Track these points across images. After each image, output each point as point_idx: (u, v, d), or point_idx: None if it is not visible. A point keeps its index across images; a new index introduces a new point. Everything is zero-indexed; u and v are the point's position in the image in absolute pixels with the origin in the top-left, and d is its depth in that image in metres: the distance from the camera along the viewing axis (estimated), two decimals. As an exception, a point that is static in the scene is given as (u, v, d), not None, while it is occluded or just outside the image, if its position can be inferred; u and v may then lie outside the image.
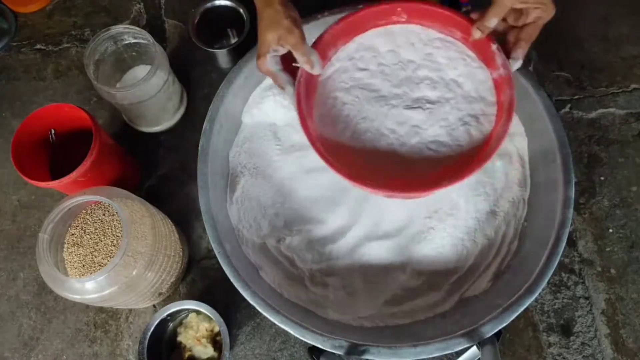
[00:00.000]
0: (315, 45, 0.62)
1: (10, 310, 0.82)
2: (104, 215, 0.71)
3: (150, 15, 1.00)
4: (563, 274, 0.81)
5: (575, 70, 0.93)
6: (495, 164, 0.73)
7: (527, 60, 0.58)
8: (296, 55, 0.59)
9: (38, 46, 0.99)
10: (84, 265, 0.68)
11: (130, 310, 0.81)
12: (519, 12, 0.57)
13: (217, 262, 0.67)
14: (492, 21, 0.56)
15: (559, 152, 0.69)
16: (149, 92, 0.78)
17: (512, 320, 0.62)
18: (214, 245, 0.67)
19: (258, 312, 0.64)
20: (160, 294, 0.75)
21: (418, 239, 0.70)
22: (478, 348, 0.62)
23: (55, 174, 0.78)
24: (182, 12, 0.99)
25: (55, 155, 0.80)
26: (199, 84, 0.94)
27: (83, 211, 0.71)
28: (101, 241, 0.69)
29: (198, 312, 0.75)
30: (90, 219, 0.71)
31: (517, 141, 0.75)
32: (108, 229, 0.69)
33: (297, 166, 0.74)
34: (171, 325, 0.76)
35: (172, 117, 0.89)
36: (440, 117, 0.61)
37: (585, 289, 0.81)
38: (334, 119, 0.63)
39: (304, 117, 0.60)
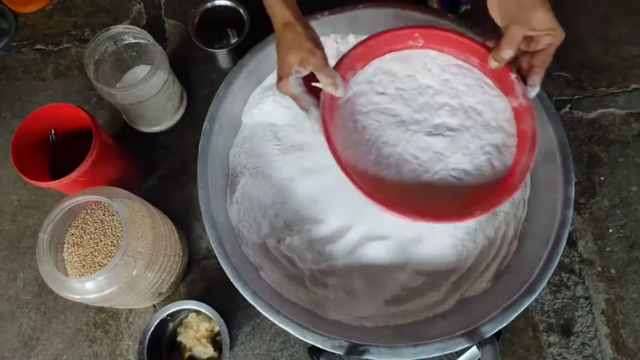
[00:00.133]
0: (335, 68, 0.61)
1: (10, 310, 0.82)
2: (104, 215, 0.71)
3: (150, 15, 1.00)
4: (563, 274, 0.81)
5: (575, 70, 0.93)
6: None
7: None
8: (319, 77, 0.59)
9: (38, 46, 0.98)
10: (84, 265, 0.68)
11: (130, 310, 0.81)
12: (529, 39, 0.57)
13: (217, 262, 0.67)
14: (507, 52, 0.56)
15: (559, 152, 0.69)
16: (149, 92, 0.78)
17: (512, 320, 0.62)
18: (214, 245, 0.67)
19: (258, 312, 0.64)
20: (160, 294, 0.75)
21: (418, 239, 0.70)
22: (478, 348, 0.62)
23: (55, 174, 0.78)
24: (182, 12, 0.99)
25: (55, 155, 0.80)
26: (199, 84, 0.93)
27: (83, 211, 0.71)
28: (101, 241, 0.69)
29: (198, 312, 0.75)
30: (90, 219, 0.71)
31: (517, 141, 0.75)
32: (108, 229, 0.69)
33: (297, 166, 0.74)
34: (171, 325, 0.76)
35: (172, 117, 0.89)
36: (461, 144, 0.62)
37: (585, 289, 0.80)
38: (355, 143, 0.62)
39: (332, 141, 0.59)
